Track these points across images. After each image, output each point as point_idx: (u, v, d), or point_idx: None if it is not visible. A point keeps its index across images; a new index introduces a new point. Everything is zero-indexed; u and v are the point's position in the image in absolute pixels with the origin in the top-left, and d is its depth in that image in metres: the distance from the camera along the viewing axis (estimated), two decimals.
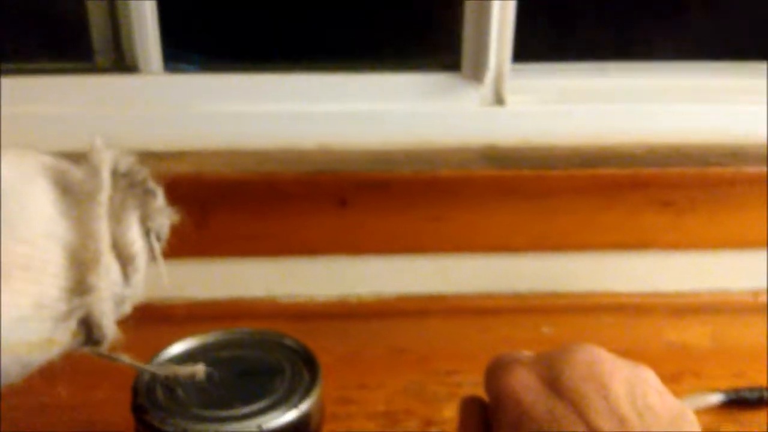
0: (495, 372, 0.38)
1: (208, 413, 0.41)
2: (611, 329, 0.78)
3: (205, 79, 0.87)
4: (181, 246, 0.82)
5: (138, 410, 0.42)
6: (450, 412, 0.65)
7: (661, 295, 0.82)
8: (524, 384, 0.35)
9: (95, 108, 0.86)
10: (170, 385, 0.42)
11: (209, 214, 0.81)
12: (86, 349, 0.32)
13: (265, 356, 0.47)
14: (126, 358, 0.36)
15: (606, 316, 0.79)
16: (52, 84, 0.87)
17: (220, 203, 0.80)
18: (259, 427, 0.40)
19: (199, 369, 0.40)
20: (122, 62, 0.89)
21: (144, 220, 0.32)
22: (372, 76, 0.85)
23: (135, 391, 0.43)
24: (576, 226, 0.80)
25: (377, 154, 0.82)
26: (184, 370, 0.39)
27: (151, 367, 0.39)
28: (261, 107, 0.85)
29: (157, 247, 0.34)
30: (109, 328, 0.31)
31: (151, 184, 0.33)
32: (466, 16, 0.81)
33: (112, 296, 0.31)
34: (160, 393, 0.43)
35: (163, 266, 0.34)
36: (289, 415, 0.41)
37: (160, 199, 0.33)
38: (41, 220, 0.29)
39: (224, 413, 0.41)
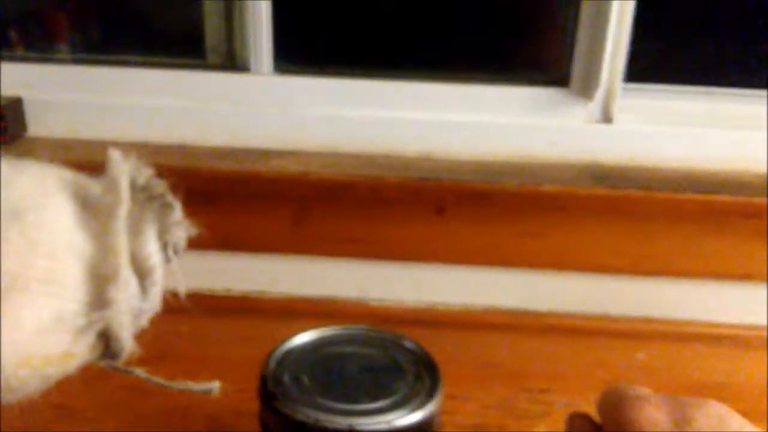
0: (618, 405, 0.37)
1: (337, 406, 0.40)
2: (708, 360, 0.72)
3: (313, 82, 0.87)
4: (277, 242, 0.84)
5: (267, 398, 0.41)
6: (543, 428, 0.63)
7: (763, 328, 0.76)
8: (653, 421, 0.35)
9: (205, 103, 0.88)
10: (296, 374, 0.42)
11: (308, 213, 0.81)
12: (103, 363, 0.32)
13: (385, 355, 0.46)
14: (141, 372, 0.35)
15: (703, 347, 0.74)
16: (165, 77, 0.89)
17: (320, 203, 0.80)
18: (389, 423, 0.39)
19: (215, 386, 0.39)
20: (233, 61, 0.91)
21: (162, 234, 0.32)
22: (479, 87, 0.83)
23: (263, 379, 0.42)
24: (678, 251, 0.74)
25: (479, 164, 0.80)
26: (198, 386, 0.38)
27: (164, 382, 0.38)
28: (366, 112, 0.85)
29: (175, 261, 0.33)
30: (127, 342, 0.30)
31: (169, 198, 0.32)
32: (580, 33, 0.78)
33: (130, 310, 0.30)
34: (287, 381, 0.42)
35: (182, 279, 0.33)
36: (417, 415, 0.40)
37: (177, 212, 0.32)
38: (61, 234, 0.28)
39: (353, 407, 0.40)
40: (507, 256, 0.78)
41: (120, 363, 0.32)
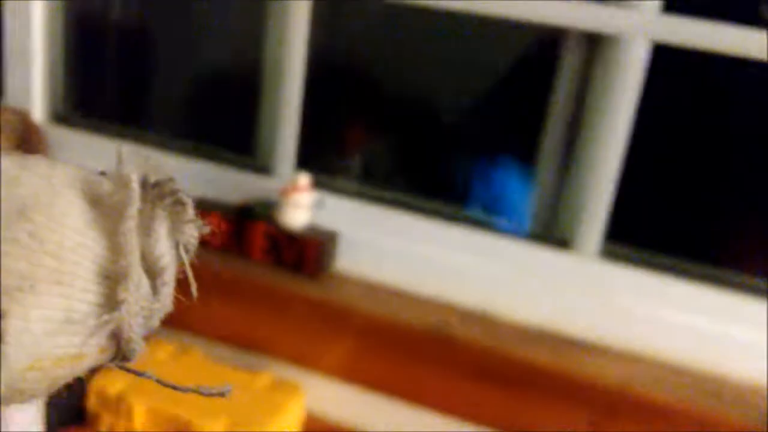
0: None
1: None
2: None
3: (642, 276, 0.79)
4: None
5: None
6: None
7: None
8: None
9: (518, 275, 0.83)
10: None
11: (612, 421, 0.74)
12: (113, 364, 0.31)
13: None
14: (152, 375, 0.34)
15: None
16: (482, 240, 0.86)
17: (629, 417, 0.73)
18: None
19: (227, 389, 0.35)
20: (554, 236, 0.86)
21: (173, 232, 0.30)
22: None
23: None
24: None
25: None
26: (209, 389, 0.34)
27: (176, 385, 0.35)
28: (699, 320, 0.77)
29: (186, 259, 0.31)
30: (138, 343, 0.29)
31: (181, 195, 0.30)
32: None
33: (141, 310, 0.29)
34: None
35: (193, 279, 0.31)
36: None
37: (189, 210, 0.31)
38: (71, 234, 0.28)
39: None
40: None
41: (131, 364, 0.31)
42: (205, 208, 0.93)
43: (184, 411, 0.79)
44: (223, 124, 1.07)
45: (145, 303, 0.30)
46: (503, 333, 0.80)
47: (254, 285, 0.86)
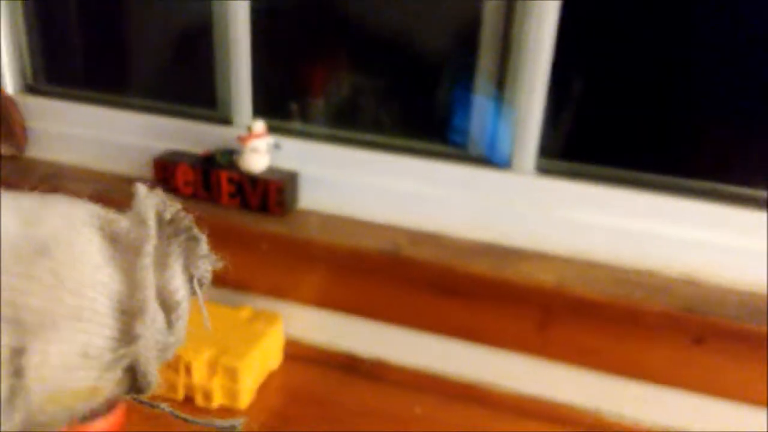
0: None
1: None
2: None
3: (574, 186, 0.84)
4: (519, 341, 0.82)
5: None
6: None
7: None
8: None
9: (463, 196, 0.88)
10: None
11: (555, 319, 0.80)
12: (129, 397, 0.31)
13: None
14: (166, 407, 0.35)
15: None
16: (427, 167, 0.91)
17: (570, 314, 0.79)
18: None
19: (238, 422, 0.37)
20: (493, 157, 0.90)
21: (188, 267, 0.31)
22: (758, 212, 0.78)
23: None
24: None
25: (743, 298, 0.75)
26: (223, 422, 0.36)
27: (189, 417, 0.37)
28: (628, 224, 0.81)
29: (200, 294, 0.32)
30: (154, 376, 0.30)
31: (196, 231, 0.32)
32: None
33: (156, 344, 0.30)
34: None
35: (206, 312, 0.32)
36: None
37: (203, 245, 0.32)
38: (89, 270, 0.28)
39: None
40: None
41: (146, 397, 0.32)
42: (173, 159, 0.98)
43: None
44: (185, 80, 1.11)
45: (160, 337, 0.30)
46: (451, 250, 0.85)
47: (226, 228, 0.92)
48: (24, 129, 1.10)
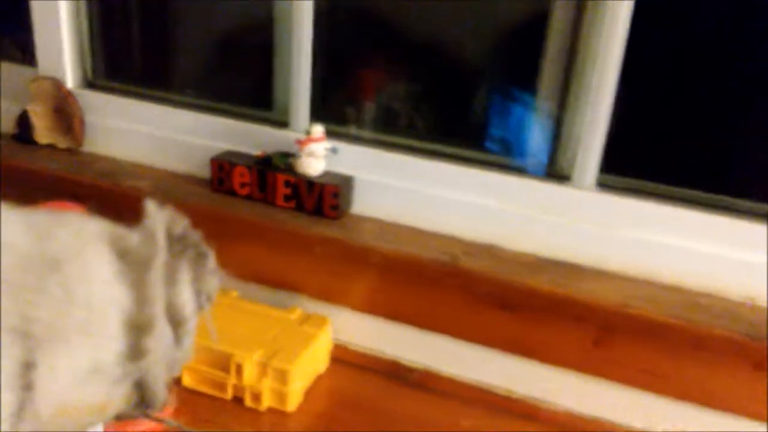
0: None
1: None
2: None
3: (636, 203, 0.83)
4: (572, 357, 0.82)
5: None
6: None
7: None
8: None
9: (521, 209, 0.88)
10: None
11: (613, 337, 0.79)
12: (137, 412, 0.31)
13: None
14: (173, 422, 0.37)
15: None
16: (487, 178, 0.89)
17: (629, 333, 0.78)
18: None
19: None
20: (554, 170, 0.89)
21: (196, 282, 0.31)
22: None
23: None
24: None
25: None
26: None
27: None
28: (687, 243, 0.81)
29: (207, 308, 0.32)
30: (162, 391, 0.30)
31: (203, 247, 0.32)
32: None
33: (164, 359, 0.30)
34: None
35: (213, 326, 0.33)
36: None
37: (211, 261, 0.32)
38: (99, 285, 0.28)
39: None
40: None
41: (154, 412, 0.32)
42: (230, 160, 0.99)
43: (225, 346, 0.86)
44: (243, 82, 1.11)
45: (169, 352, 0.30)
46: (506, 263, 0.84)
47: (280, 230, 0.91)
48: (82, 123, 1.12)
